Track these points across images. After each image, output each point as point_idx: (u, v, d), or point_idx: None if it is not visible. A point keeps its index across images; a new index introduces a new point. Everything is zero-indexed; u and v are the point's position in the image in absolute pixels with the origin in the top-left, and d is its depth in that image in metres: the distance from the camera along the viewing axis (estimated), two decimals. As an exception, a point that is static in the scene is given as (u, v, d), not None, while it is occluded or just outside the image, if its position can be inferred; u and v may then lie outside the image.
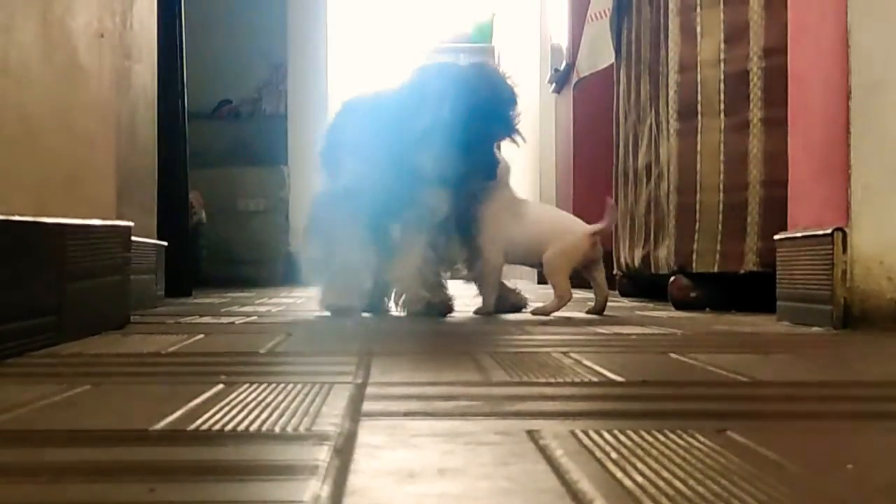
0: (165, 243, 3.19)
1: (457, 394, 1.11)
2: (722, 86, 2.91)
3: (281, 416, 0.96)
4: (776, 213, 2.59)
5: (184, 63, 3.86)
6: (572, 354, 1.53)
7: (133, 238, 2.22)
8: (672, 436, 0.85)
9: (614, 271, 4.07)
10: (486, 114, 2.49)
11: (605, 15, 4.20)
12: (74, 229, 1.77)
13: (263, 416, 0.96)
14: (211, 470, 0.74)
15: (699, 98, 2.96)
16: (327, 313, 2.57)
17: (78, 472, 0.73)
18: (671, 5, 3.10)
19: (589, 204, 5.11)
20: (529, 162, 7.41)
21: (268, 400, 1.05)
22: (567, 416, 0.96)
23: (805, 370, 1.44)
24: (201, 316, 2.53)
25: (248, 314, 2.63)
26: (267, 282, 5.34)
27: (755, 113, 2.82)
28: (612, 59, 4.11)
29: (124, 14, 2.65)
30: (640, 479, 0.70)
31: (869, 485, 0.70)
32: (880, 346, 1.79)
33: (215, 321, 2.35)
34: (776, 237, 2.42)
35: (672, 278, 3.04)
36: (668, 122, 3.12)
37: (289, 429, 0.89)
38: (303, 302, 3.02)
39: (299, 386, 1.16)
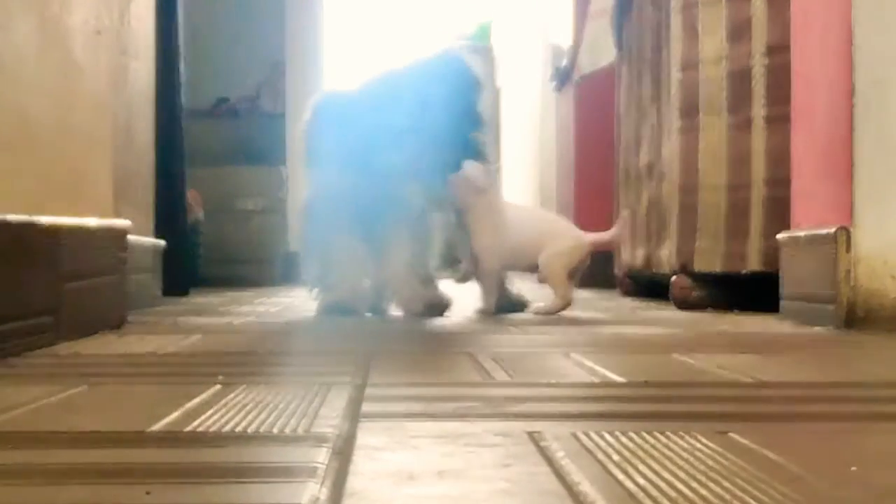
0: (163, 242, 3.19)
1: (457, 395, 1.10)
2: (724, 84, 2.90)
3: (279, 417, 0.95)
4: (779, 213, 2.58)
5: (181, 60, 3.85)
6: (573, 355, 1.53)
7: (130, 237, 2.21)
8: (674, 437, 0.85)
9: (615, 271, 4.07)
10: (445, 105, 2.50)
11: (607, 13, 4.20)
12: (71, 229, 1.77)
13: (261, 417, 0.95)
14: (208, 472, 0.73)
15: (701, 96, 2.96)
16: (326, 314, 2.56)
17: (74, 474, 0.72)
18: (673, 3, 3.09)
19: (590, 202, 5.11)
20: (530, 160, 7.41)
21: (266, 401, 1.05)
22: (568, 418, 0.96)
23: (808, 371, 1.43)
24: (199, 316, 2.53)
25: (246, 314, 2.63)
26: (265, 281, 5.33)
27: (758, 111, 2.81)
28: (614, 57, 4.10)
29: (122, 11, 2.64)
30: (641, 480, 0.69)
31: (873, 487, 0.69)
32: (884, 346, 1.79)
33: (213, 321, 2.34)
34: (779, 236, 2.41)
35: (674, 278, 3.03)
36: (669, 120, 3.12)
37: (287, 430, 0.89)
38: (301, 302, 3.02)
39: (298, 387, 1.15)
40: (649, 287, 3.69)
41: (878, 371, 1.47)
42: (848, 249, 2.04)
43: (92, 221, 1.91)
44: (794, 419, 1.00)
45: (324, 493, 0.66)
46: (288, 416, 0.95)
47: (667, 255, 3.16)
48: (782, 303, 2.37)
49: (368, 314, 2.61)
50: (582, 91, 5.26)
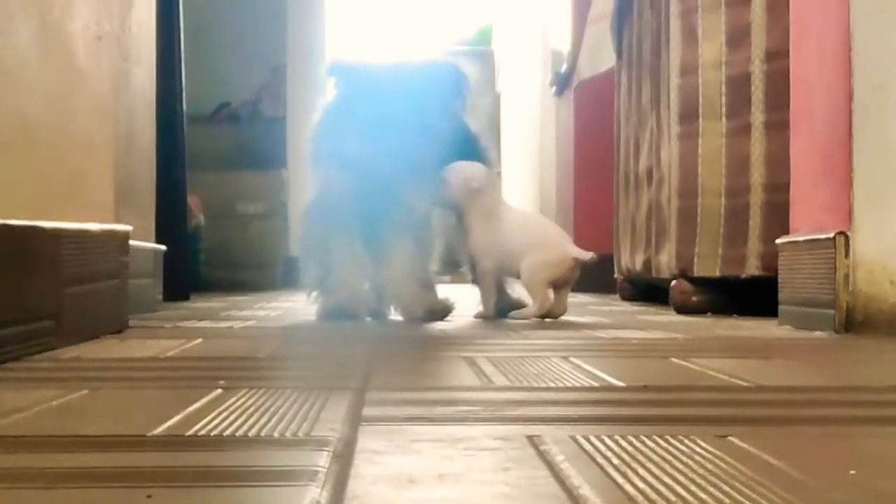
0: (164, 247, 3.19)
1: (456, 399, 1.10)
2: (723, 89, 2.90)
3: (280, 421, 0.95)
4: (778, 217, 2.58)
5: (182, 65, 3.85)
6: (572, 359, 1.53)
7: (131, 242, 2.21)
8: (673, 441, 0.85)
9: (615, 275, 4.07)
10: (427, 108, 2.53)
11: (607, 18, 4.20)
12: (72, 233, 1.77)
13: (262, 421, 0.95)
14: (209, 476, 0.73)
15: (700, 101, 2.96)
16: (326, 319, 2.56)
17: (76, 478, 0.72)
18: (672, 8, 3.10)
19: (589, 207, 5.12)
20: (530, 164, 7.41)
21: (267, 405, 1.05)
22: (567, 422, 0.96)
23: (807, 375, 1.44)
24: (200, 320, 2.53)
25: (246, 318, 2.63)
26: (266, 286, 5.33)
27: (757, 116, 2.81)
28: (613, 63, 4.11)
29: (123, 16, 2.64)
30: (641, 484, 0.69)
31: (872, 491, 0.70)
32: (883, 351, 1.79)
33: (214, 325, 2.34)
34: (778, 241, 2.41)
35: (673, 282, 3.03)
36: (669, 125, 3.12)
37: (288, 434, 0.89)
38: (302, 306, 3.02)
39: (298, 391, 1.15)
40: (649, 291, 3.70)
41: (877, 375, 1.47)
42: (847, 254, 2.04)
43: (93, 226, 1.91)
44: (793, 423, 1.00)
45: (324, 497, 0.66)
46: (289, 420, 0.95)
47: (666, 260, 3.16)
48: (781, 307, 2.37)
49: (368, 319, 2.61)
50: (581, 96, 5.26)
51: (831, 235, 2.07)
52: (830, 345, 1.87)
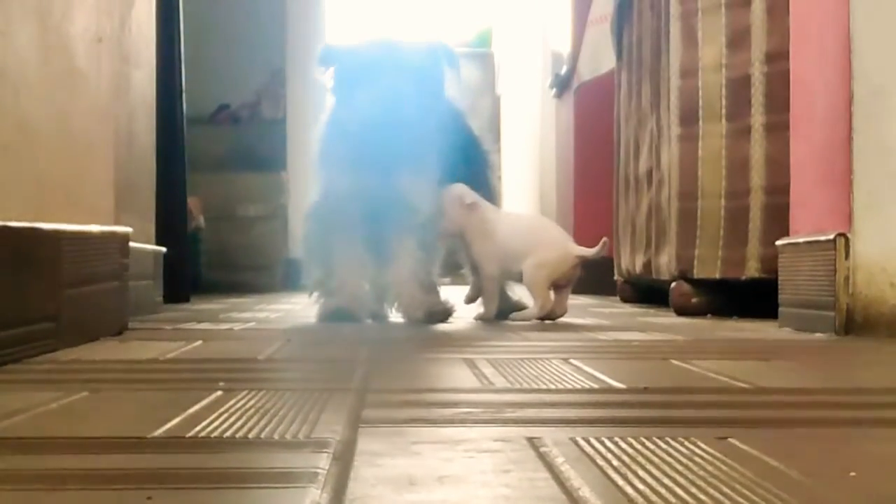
0: (164, 249, 3.19)
1: (457, 400, 1.10)
2: (723, 91, 2.90)
3: (280, 423, 0.95)
4: (778, 219, 2.58)
5: (182, 67, 3.85)
6: (573, 361, 1.53)
7: (131, 244, 2.21)
8: (674, 443, 0.85)
9: (615, 277, 4.07)
10: (425, 87, 2.53)
11: (607, 20, 4.20)
12: (72, 235, 1.77)
13: (262, 423, 0.95)
14: (209, 477, 0.73)
15: (700, 103, 2.96)
16: (326, 320, 2.56)
17: (75, 480, 0.73)
18: (672, 10, 3.10)
19: (590, 208, 5.11)
20: (530, 166, 7.41)
21: (267, 407, 1.05)
22: (568, 423, 0.96)
23: (807, 377, 1.44)
24: (200, 322, 2.53)
25: (246, 320, 2.63)
26: (266, 288, 5.33)
27: (757, 118, 2.81)
28: (614, 64, 4.11)
29: (123, 19, 2.64)
30: (641, 486, 0.69)
31: (872, 493, 0.70)
32: (883, 353, 1.79)
33: (214, 327, 2.34)
34: (778, 243, 2.41)
35: (673, 284, 3.03)
36: (669, 127, 3.12)
37: (288, 436, 0.89)
38: (302, 308, 3.02)
39: (298, 393, 1.15)
40: (649, 293, 3.70)
41: (877, 377, 1.47)
42: (847, 256, 2.04)
43: (93, 228, 1.91)
44: (793, 425, 1.00)
45: (324, 499, 0.66)
46: (289, 422, 0.95)
47: (666, 262, 3.16)
48: (781, 309, 2.37)
49: (369, 320, 2.61)
50: (581, 98, 5.26)
51: (831, 237, 2.07)
52: (830, 347, 1.87)
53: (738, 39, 2.87)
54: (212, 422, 0.95)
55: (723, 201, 2.89)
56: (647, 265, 3.43)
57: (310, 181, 2.75)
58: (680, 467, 0.75)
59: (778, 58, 2.70)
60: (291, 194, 5.63)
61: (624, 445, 0.84)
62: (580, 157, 5.34)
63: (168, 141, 3.50)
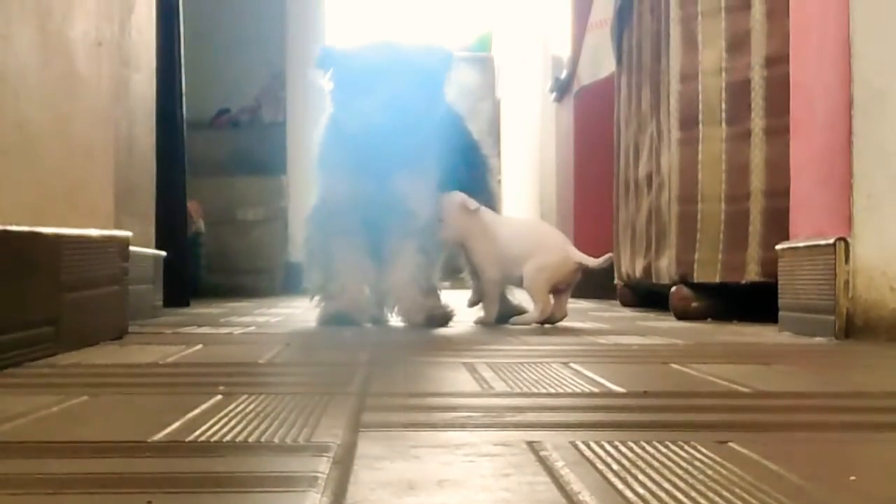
0: (164, 253, 3.19)
1: (456, 404, 1.10)
2: (723, 95, 2.90)
3: (280, 426, 0.95)
4: (778, 223, 2.58)
5: (182, 71, 3.86)
6: (573, 365, 1.53)
7: (131, 248, 2.21)
8: (673, 447, 0.85)
9: (615, 281, 4.07)
10: (424, 91, 2.52)
11: (607, 24, 4.20)
12: (72, 239, 1.77)
13: (262, 426, 0.95)
14: (209, 481, 0.73)
15: (700, 107, 2.96)
16: (327, 324, 2.56)
17: (75, 484, 0.73)
18: (672, 14, 3.10)
19: (590, 212, 5.11)
20: (530, 170, 7.41)
21: (267, 411, 1.05)
22: (568, 427, 0.96)
23: (807, 381, 1.44)
24: (200, 326, 2.53)
25: (246, 324, 2.63)
26: (266, 291, 5.33)
27: (757, 122, 2.81)
28: (614, 68, 4.11)
29: (123, 22, 2.65)
30: (641, 490, 0.69)
31: (871, 497, 0.70)
32: (883, 357, 1.79)
33: (214, 331, 2.34)
34: (778, 247, 2.41)
35: (673, 288, 3.03)
36: (669, 131, 3.12)
37: (288, 440, 0.89)
38: (302, 312, 3.02)
39: (298, 397, 1.15)
40: (649, 297, 3.69)
41: (877, 381, 1.47)
42: (847, 260, 2.04)
43: (93, 232, 1.91)
44: (793, 429, 1.00)
45: (324, 503, 0.66)
46: (289, 426, 0.95)
47: (666, 266, 3.16)
48: (781, 313, 2.37)
49: (369, 324, 2.61)
50: (581, 102, 5.25)
51: (831, 241, 2.07)
52: (830, 351, 1.87)
53: (738, 43, 2.87)
54: (212, 426, 0.95)
55: (723, 205, 2.89)
56: (647, 269, 3.43)
57: (310, 185, 2.75)
58: (680, 471, 0.75)
59: (778, 61, 2.70)
60: (291, 198, 5.63)
61: (624, 449, 0.84)
62: (580, 160, 5.34)
63: (168, 145, 3.50)
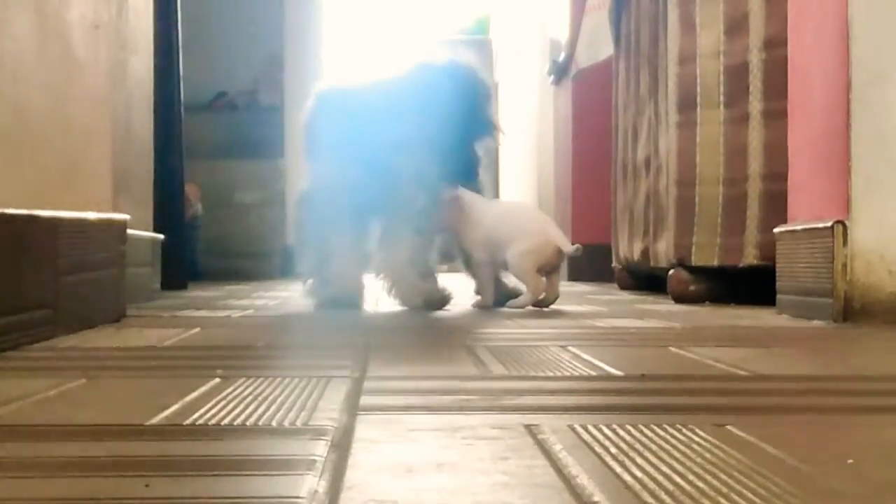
0: (161, 236, 3.19)
1: (455, 388, 1.10)
2: (721, 78, 2.90)
3: (278, 410, 0.95)
4: (776, 206, 2.58)
5: (180, 54, 3.85)
6: (571, 348, 1.53)
7: (129, 231, 2.21)
8: (671, 430, 0.85)
9: (613, 264, 4.07)
10: (463, 116, 2.52)
11: (605, 6, 4.19)
12: (70, 222, 1.77)
13: (260, 410, 0.95)
14: (207, 464, 0.73)
15: (698, 90, 2.96)
16: (322, 308, 2.56)
17: (73, 467, 0.72)
18: (670, -3, 3.09)
19: (588, 195, 5.11)
20: (528, 153, 7.40)
21: (265, 394, 1.05)
22: (566, 411, 0.96)
23: (805, 364, 1.44)
24: (198, 309, 2.53)
25: (244, 308, 2.63)
26: (264, 275, 5.33)
27: (755, 105, 2.81)
28: (612, 51, 4.10)
29: (120, 5, 2.64)
30: (639, 473, 0.69)
31: (870, 480, 0.70)
32: (881, 340, 1.79)
33: (212, 315, 2.34)
34: (776, 230, 2.41)
35: (671, 272, 3.03)
36: (667, 114, 3.12)
37: (286, 423, 0.89)
38: (300, 295, 3.02)
39: (296, 380, 1.15)
40: (647, 280, 3.70)
41: (875, 364, 1.47)
42: (845, 243, 2.04)
43: (91, 215, 1.91)
44: (791, 412, 1.00)
45: (322, 486, 0.66)
46: (287, 410, 0.95)
47: (664, 249, 3.16)
48: (779, 296, 2.37)
49: (365, 308, 2.60)
50: (579, 85, 5.25)
51: (829, 224, 2.07)
52: (828, 334, 1.88)
53: (736, 26, 2.87)
54: (210, 409, 0.95)
55: (721, 188, 2.89)
56: (646, 252, 3.43)
57: (302, 168, 2.76)
58: (678, 454, 0.75)
59: (776, 45, 2.69)
60: (289, 181, 5.63)
61: (622, 433, 0.84)
62: (578, 143, 5.34)
63: (165, 128, 3.50)
